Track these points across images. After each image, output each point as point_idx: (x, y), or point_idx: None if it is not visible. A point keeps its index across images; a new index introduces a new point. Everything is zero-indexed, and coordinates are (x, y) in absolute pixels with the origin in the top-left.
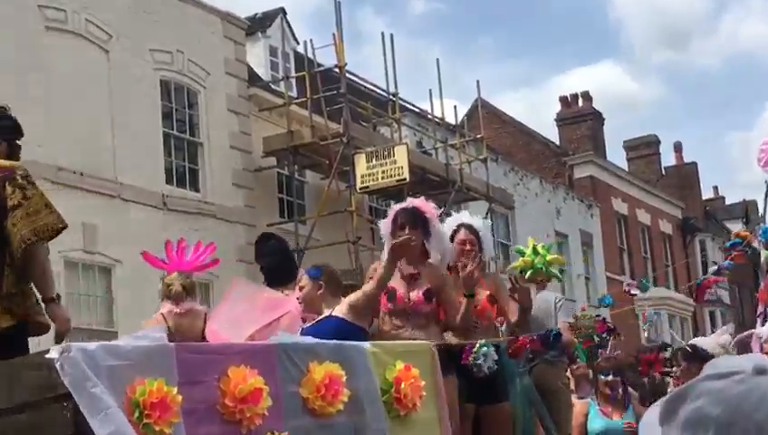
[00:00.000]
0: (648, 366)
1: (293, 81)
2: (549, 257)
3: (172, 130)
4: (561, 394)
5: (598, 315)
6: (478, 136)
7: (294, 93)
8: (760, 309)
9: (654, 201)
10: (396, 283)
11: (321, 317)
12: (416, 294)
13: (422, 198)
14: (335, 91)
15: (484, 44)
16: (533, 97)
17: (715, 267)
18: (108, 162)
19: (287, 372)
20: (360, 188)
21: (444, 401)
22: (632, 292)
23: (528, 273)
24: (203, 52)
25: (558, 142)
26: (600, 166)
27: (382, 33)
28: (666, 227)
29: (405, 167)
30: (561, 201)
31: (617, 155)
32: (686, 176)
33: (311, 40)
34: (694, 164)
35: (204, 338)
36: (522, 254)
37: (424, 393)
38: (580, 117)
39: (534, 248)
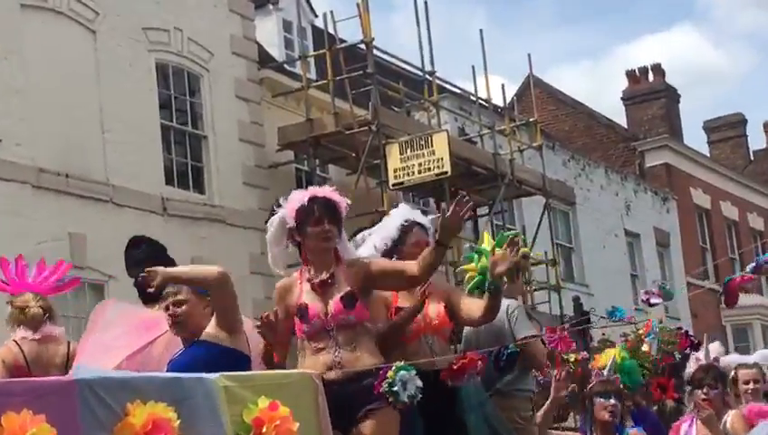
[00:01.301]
0: (662, 391)
1: (312, 60)
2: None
3: (171, 121)
4: (520, 433)
5: (680, 328)
6: (531, 119)
7: (313, 75)
8: None
9: (741, 192)
10: (308, 297)
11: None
12: (333, 304)
13: (330, 190)
14: (361, 72)
15: (536, 9)
16: (596, 71)
17: (753, 264)
18: (97, 161)
19: (93, 416)
20: (394, 185)
21: None
22: (652, 301)
23: (471, 284)
24: (205, 29)
25: (626, 125)
26: (676, 151)
27: (415, 1)
28: (756, 221)
29: (445, 158)
30: (632, 194)
31: (696, 138)
32: None
33: (331, 12)
34: None
35: (67, 371)
36: (472, 260)
37: None
38: (652, 94)
39: (480, 250)
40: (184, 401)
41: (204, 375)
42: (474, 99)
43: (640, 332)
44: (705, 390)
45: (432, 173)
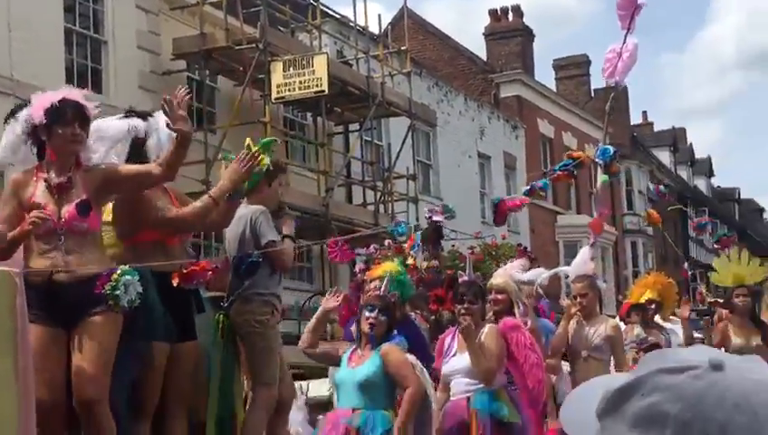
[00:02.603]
0: (439, 303)
1: None
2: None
3: (74, 25)
4: (254, 337)
5: (519, 244)
6: (402, 48)
7: None
8: (591, 239)
9: (581, 125)
10: (43, 197)
11: None
12: (67, 210)
13: (81, 93)
14: None
15: None
16: (465, 6)
17: (527, 187)
18: (2, 57)
19: None
20: (276, 99)
21: (28, 348)
22: (434, 218)
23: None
24: None
25: (485, 58)
26: (527, 85)
27: None
28: (591, 152)
29: (324, 78)
30: (486, 121)
31: (547, 75)
32: (614, 99)
33: None
34: (624, 87)
35: None
36: (228, 160)
37: None
38: (510, 33)
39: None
40: None
41: None
42: (352, 25)
43: (405, 245)
44: (465, 305)
45: (311, 91)
